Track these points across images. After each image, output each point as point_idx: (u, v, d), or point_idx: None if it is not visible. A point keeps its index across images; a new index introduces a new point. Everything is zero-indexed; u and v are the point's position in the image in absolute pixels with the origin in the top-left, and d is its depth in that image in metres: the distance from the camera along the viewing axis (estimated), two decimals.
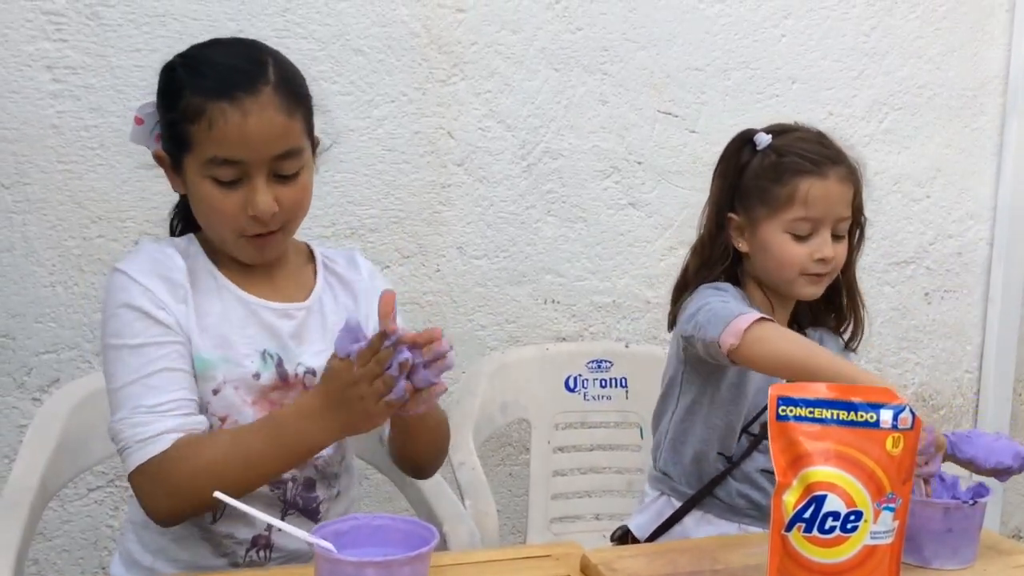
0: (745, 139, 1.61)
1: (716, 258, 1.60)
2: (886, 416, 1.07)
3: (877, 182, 2.53)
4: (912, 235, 2.58)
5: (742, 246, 1.59)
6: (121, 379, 1.25)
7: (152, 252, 1.31)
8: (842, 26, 2.43)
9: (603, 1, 2.22)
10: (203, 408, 1.29)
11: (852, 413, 1.08)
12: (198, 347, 1.28)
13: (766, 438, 1.56)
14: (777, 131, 1.59)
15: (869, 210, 2.47)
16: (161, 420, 1.22)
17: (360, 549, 1.07)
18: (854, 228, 1.60)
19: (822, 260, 1.53)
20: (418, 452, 1.41)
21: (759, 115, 2.15)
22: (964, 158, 2.60)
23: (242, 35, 1.91)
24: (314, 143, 1.37)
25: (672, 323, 1.63)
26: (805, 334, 1.64)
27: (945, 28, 2.52)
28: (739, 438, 1.58)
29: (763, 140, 1.57)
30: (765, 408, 1.52)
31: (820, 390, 1.10)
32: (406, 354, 1.14)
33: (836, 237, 1.55)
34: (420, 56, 2.11)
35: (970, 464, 1.42)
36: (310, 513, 1.38)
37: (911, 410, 1.08)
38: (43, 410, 1.62)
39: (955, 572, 1.27)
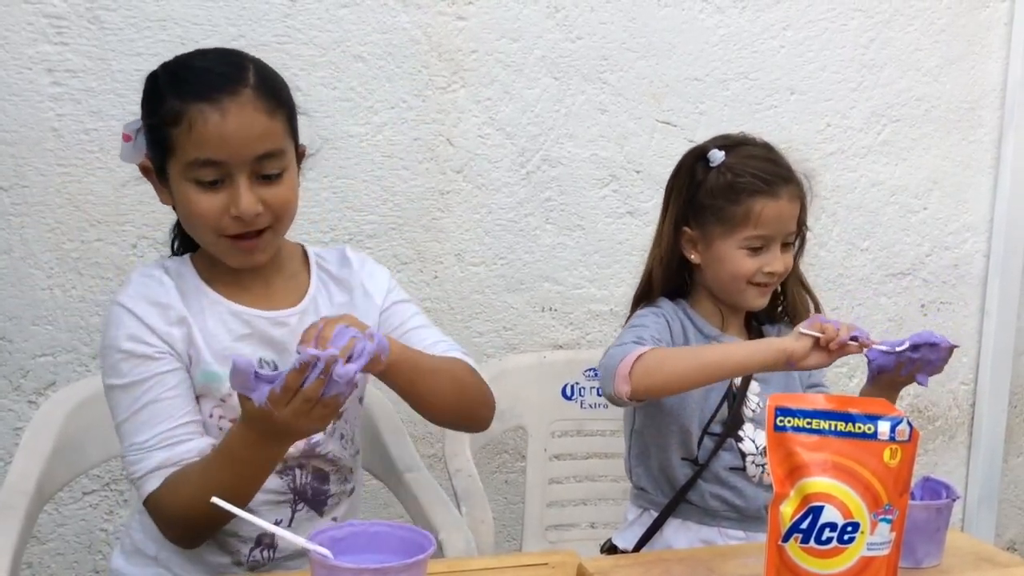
0: (698, 155, 1.64)
1: (672, 269, 1.67)
2: (884, 428, 1.08)
3: (874, 194, 2.54)
4: (909, 247, 2.59)
5: (695, 258, 1.64)
6: (118, 416, 1.31)
7: (141, 279, 1.34)
8: (840, 38, 2.44)
9: (603, 10, 2.23)
10: (211, 414, 1.32)
11: (850, 424, 1.08)
12: (208, 362, 1.31)
13: (729, 436, 1.60)
14: (728, 145, 1.63)
15: (867, 221, 2.52)
16: (149, 457, 1.27)
17: (357, 556, 1.07)
18: (797, 236, 1.66)
19: (771, 273, 1.60)
20: (436, 411, 1.38)
21: (757, 126, 2.15)
22: (961, 171, 2.61)
23: (243, 40, 1.94)
24: (299, 150, 1.37)
25: None
26: (763, 331, 1.71)
27: (943, 41, 2.53)
28: (701, 440, 1.61)
29: (717, 157, 1.61)
30: (720, 407, 1.60)
31: (818, 401, 1.10)
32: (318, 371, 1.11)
33: (783, 246, 1.62)
34: (420, 63, 2.11)
35: (889, 353, 1.46)
36: (317, 505, 1.39)
37: (908, 422, 1.08)
38: (39, 413, 1.62)
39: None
